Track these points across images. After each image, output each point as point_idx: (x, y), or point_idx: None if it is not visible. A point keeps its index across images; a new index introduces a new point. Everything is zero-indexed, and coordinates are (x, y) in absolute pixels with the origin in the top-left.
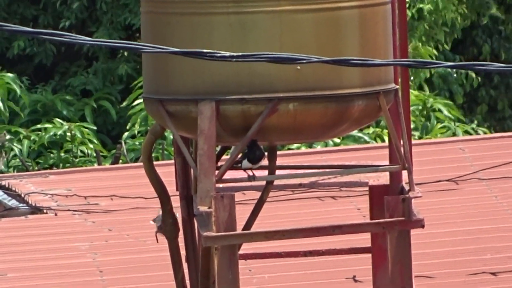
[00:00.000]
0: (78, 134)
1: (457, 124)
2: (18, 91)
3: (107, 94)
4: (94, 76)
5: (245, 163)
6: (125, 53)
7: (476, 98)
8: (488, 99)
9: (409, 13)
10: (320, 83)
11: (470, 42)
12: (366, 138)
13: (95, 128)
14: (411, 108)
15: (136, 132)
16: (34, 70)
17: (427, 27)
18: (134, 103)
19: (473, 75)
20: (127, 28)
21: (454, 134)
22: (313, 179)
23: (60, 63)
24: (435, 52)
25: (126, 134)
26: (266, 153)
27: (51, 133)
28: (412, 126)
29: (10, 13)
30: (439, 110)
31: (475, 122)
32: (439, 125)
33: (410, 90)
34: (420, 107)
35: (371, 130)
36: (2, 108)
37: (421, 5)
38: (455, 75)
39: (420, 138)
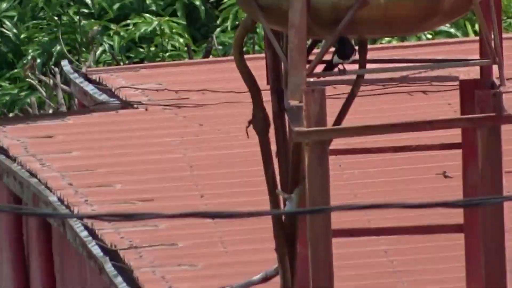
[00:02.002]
0: (167, 30)
1: None
2: None
3: None
4: None
5: (336, 58)
6: None
7: None
8: None
9: None
10: None
11: None
12: (459, 34)
13: (184, 23)
14: None
15: (228, 27)
16: None
17: None
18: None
19: None
20: None
21: None
22: (403, 73)
23: None
24: None
25: (218, 29)
26: (356, 48)
27: (142, 29)
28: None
29: None
30: None
31: None
32: None
33: None
34: None
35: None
36: (90, 4)
37: None
38: None
39: None
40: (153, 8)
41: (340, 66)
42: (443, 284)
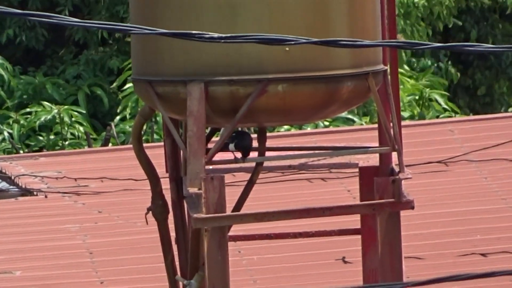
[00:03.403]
0: (67, 118)
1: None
2: (5, 76)
3: (100, 81)
4: (85, 66)
5: (231, 145)
6: (117, 42)
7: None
8: (471, 83)
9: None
10: (309, 64)
11: (458, 28)
12: (356, 119)
13: (84, 111)
14: (408, 98)
15: (127, 115)
16: (23, 54)
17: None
18: (125, 87)
19: (453, 70)
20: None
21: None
22: (302, 160)
23: (52, 47)
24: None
25: (117, 118)
26: (255, 135)
27: (41, 118)
28: (408, 114)
29: None
30: (436, 101)
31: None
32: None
33: (406, 79)
34: (417, 97)
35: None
36: None
37: None
38: (435, 66)
39: None
40: (56, 97)
41: (238, 154)
42: None
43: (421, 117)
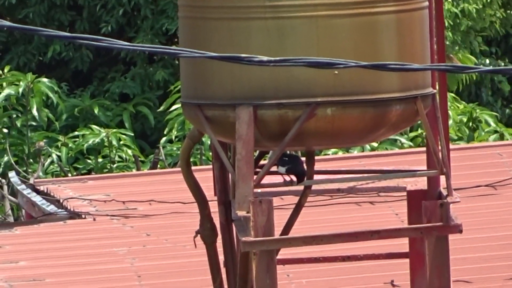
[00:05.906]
0: (115, 142)
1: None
2: (54, 99)
3: (145, 99)
4: (132, 81)
5: (282, 168)
6: (163, 58)
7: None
8: None
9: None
10: (358, 87)
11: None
12: (403, 140)
13: (132, 134)
14: (458, 117)
15: (173, 137)
16: (72, 75)
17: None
18: (172, 108)
19: (506, 89)
20: (167, 33)
21: (502, 137)
22: (351, 184)
23: (99, 68)
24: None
25: (164, 139)
26: (303, 158)
27: (89, 141)
28: (457, 136)
29: (48, 19)
30: (486, 122)
31: None
32: (486, 132)
33: (456, 101)
34: (466, 119)
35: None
36: (37, 117)
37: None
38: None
39: None
40: (102, 119)
41: (287, 177)
42: None
43: (470, 139)
